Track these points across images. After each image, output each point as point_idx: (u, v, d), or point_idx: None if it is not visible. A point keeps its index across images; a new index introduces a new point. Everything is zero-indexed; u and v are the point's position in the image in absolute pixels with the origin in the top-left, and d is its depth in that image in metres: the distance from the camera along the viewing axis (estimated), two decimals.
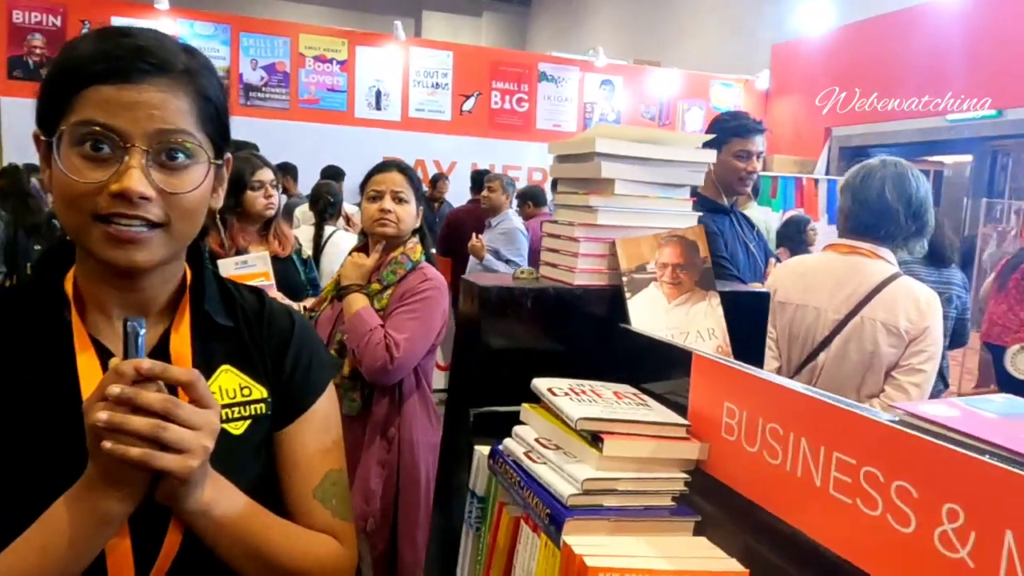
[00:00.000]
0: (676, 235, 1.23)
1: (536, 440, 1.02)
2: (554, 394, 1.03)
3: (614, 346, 1.21)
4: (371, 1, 13.78)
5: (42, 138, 0.78)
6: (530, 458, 1.00)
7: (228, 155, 0.87)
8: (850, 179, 2.09)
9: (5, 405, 0.78)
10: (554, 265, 1.30)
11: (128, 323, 0.71)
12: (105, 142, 0.74)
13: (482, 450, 1.14)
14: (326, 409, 0.98)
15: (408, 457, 2.17)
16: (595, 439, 0.93)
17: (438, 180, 6.96)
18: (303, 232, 3.78)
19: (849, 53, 7.52)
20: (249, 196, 2.57)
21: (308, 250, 3.69)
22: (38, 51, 6.31)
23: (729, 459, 0.91)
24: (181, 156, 0.78)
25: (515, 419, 1.11)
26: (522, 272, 1.30)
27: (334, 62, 7.14)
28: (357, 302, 2.11)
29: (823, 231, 5.97)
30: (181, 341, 0.85)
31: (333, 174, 5.35)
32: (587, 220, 1.23)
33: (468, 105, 7.67)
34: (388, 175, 2.17)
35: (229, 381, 0.89)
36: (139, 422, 0.68)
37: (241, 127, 3.16)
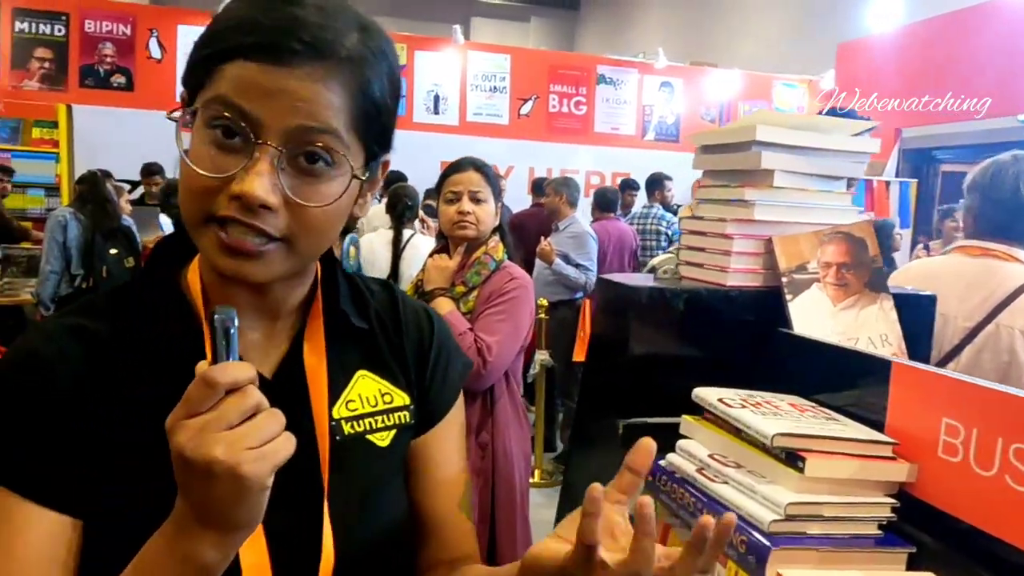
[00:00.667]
0: (841, 231, 1.13)
1: (710, 456, 0.92)
2: (728, 405, 0.93)
3: (773, 352, 1.10)
4: (421, 10, 13.86)
5: (183, 107, 0.67)
6: (706, 476, 0.91)
7: (387, 158, 0.76)
8: (978, 176, 1.95)
9: (123, 414, 0.67)
10: (699, 265, 1.20)
11: (216, 316, 0.55)
12: (236, 130, 0.62)
13: None
14: (460, 412, 0.89)
15: (503, 464, 2.09)
16: (792, 458, 0.83)
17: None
18: (379, 236, 3.75)
19: (918, 51, 7.25)
20: None
21: (387, 253, 3.66)
22: (108, 60, 6.43)
23: (949, 482, 0.80)
24: (321, 163, 0.64)
25: (667, 431, 1.02)
26: (664, 272, 1.20)
27: None
28: (443, 306, 2.05)
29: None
30: (315, 347, 0.76)
31: (396, 178, 5.32)
32: (741, 215, 1.13)
33: (526, 108, 7.60)
34: (464, 175, 2.10)
35: (368, 388, 0.79)
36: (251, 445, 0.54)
37: None
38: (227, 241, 0.63)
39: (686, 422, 1.00)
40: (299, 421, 0.71)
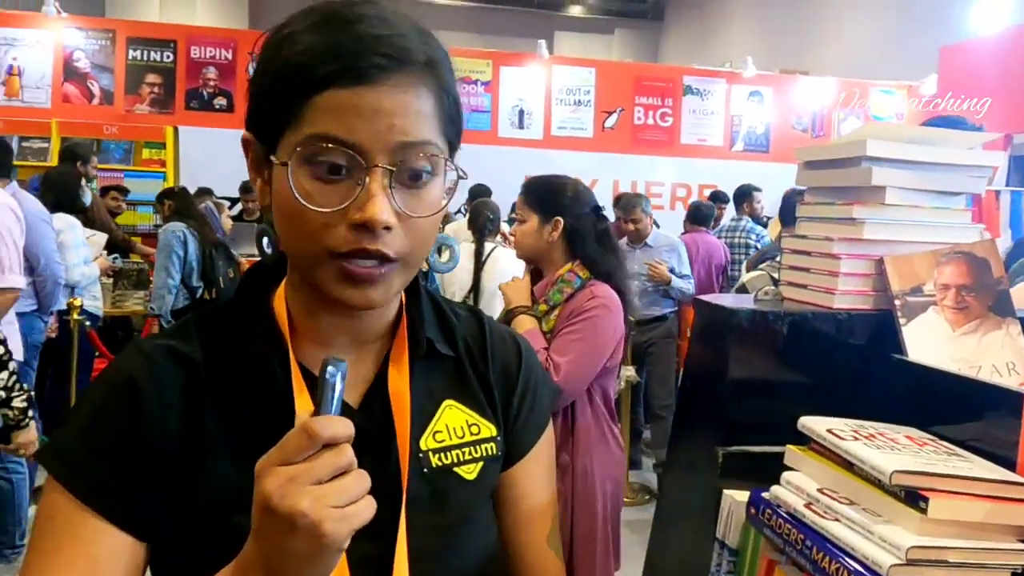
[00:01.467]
0: (961, 251, 1.05)
1: (819, 491, 0.87)
2: (838, 437, 0.88)
3: (884, 380, 1.04)
4: (505, 27, 14.04)
5: (254, 143, 0.67)
6: (815, 512, 0.86)
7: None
8: None
9: (210, 439, 0.67)
10: (803, 286, 1.14)
11: (328, 367, 0.55)
12: (343, 161, 0.61)
13: (734, 495, 1.01)
14: (549, 442, 0.87)
15: (582, 486, 2.05)
16: (913, 497, 0.77)
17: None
18: (461, 249, 3.78)
19: None
20: None
21: (469, 266, 3.70)
22: (211, 83, 6.78)
23: None
24: (425, 175, 0.65)
25: (769, 461, 0.97)
26: (764, 293, 1.16)
27: (479, 83, 7.23)
28: (524, 324, 2.04)
29: (1003, 248, 5.38)
30: (400, 375, 0.74)
31: (481, 192, 5.37)
32: (850, 234, 1.08)
33: (610, 121, 7.55)
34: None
35: (455, 418, 0.77)
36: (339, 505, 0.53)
37: None
38: (350, 271, 0.63)
39: (792, 453, 0.95)
40: (385, 450, 0.70)
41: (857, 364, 1.06)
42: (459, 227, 4.33)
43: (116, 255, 4.83)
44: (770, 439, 1.01)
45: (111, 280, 4.69)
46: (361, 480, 0.54)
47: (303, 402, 0.67)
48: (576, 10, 16.31)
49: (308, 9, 0.66)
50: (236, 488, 0.62)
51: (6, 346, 2.18)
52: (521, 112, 7.35)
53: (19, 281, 2.96)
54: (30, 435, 2.24)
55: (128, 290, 4.79)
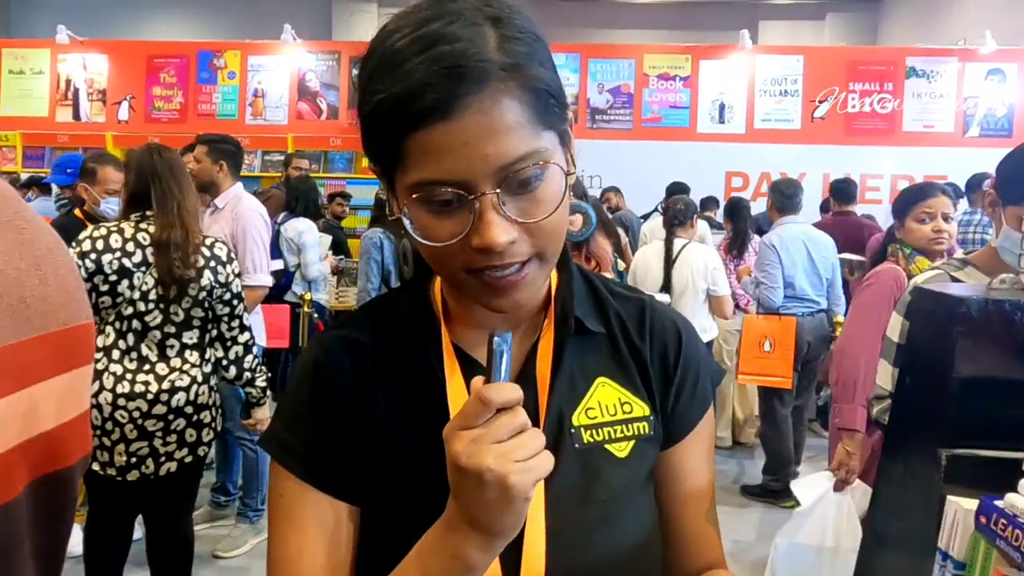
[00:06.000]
0: None
1: None
2: None
3: None
4: (706, 20, 13.60)
5: (379, 172, 0.70)
6: None
7: (570, 116, 0.71)
8: None
9: (381, 413, 0.75)
10: None
11: (494, 339, 0.60)
12: (451, 196, 0.63)
13: (960, 503, 0.92)
14: (709, 425, 0.84)
15: None
16: None
17: None
18: (652, 247, 3.77)
19: None
20: None
21: (659, 262, 3.66)
22: None
23: None
24: (534, 180, 0.64)
25: (1003, 466, 0.87)
26: (1001, 281, 1.04)
27: (677, 79, 7.11)
28: None
29: None
30: (546, 354, 0.77)
31: (678, 189, 5.28)
32: None
33: (820, 111, 7.09)
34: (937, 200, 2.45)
35: (608, 396, 0.78)
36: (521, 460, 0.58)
37: (587, 150, 3.23)
38: (491, 283, 0.66)
39: None
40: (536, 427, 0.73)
41: None
42: (655, 225, 4.30)
43: (341, 256, 5.33)
44: (1004, 442, 0.91)
45: (335, 277, 5.19)
46: (537, 437, 0.60)
47: (455, 377, 0.73)
48: None
49: (402, 21, 0.64)
50: (403, 460, 0.72)
51: (251, 332, 2.49)
52: (721, 106, 7.12)
53: (267, 280, 3.36)
54: (266, 412, 2.55)
55: (350, 286, 5.26)
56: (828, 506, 2.27)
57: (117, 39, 8.68)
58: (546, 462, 0.59)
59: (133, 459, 2.21)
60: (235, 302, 2.36)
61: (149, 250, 2.21)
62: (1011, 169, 1.53)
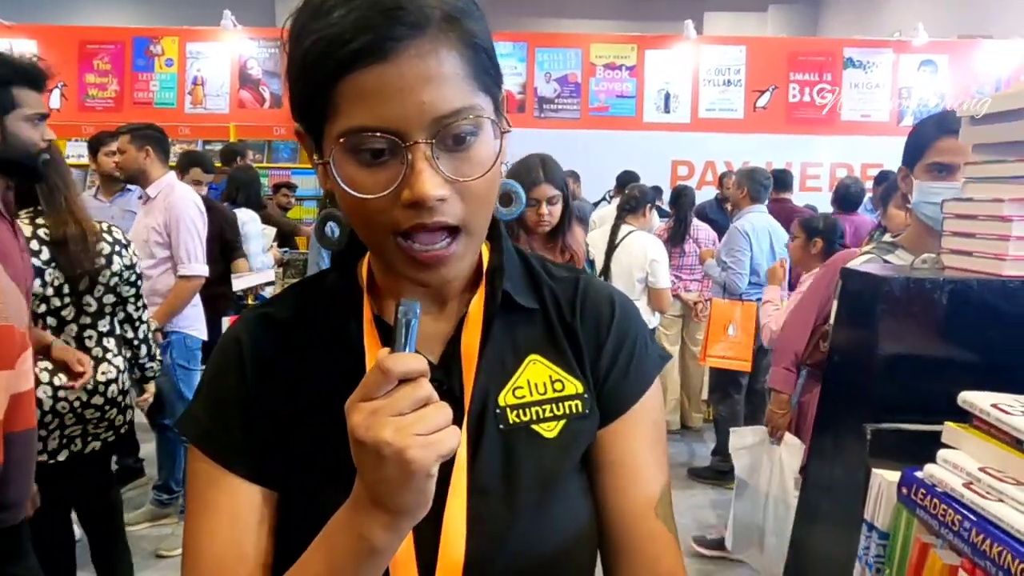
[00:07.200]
0: None
1: (981, 470, 0.80)
2: (1005, 412, 0.80)
3: None
4: (652, 10, 13.72)
5: (305, 136, 0.68)
6: (975, 492, 0.79)
7: (504, 90, 0.70)
8: None
9: (303, 391, 0.72)
10: (967, 253, 1.05)
11: (400, 308, 0.58)
12: (383, 145, 0.60)
13: (884, 475, 0.94)
14: (653, 408, 0.79)
15: None
16: None
17: (724, 179, 6.66)
18: (600, 232, 3.79)
19: None
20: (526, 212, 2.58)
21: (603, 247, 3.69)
22: None
23: None
24: (468, 136, 0.62)
25: (924, 440, 0.90)
26: (923, 261, 1.07)
27: (623, 68, 7.16)
28: None
29: None
30: (472, 330, 0.73)
31: (629, 179, 5.32)
32: (1023, 195, 0.97)
33: (763, 101, 7.23)
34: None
35: (539, 374, 0.74)
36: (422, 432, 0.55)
37: (535, 139, 3.23)
38: (419, 256, 0.63)
39: (950, 429, 0.88)
40: (461, 408, 0.70)
41: None
42: (605, 213, 4.32)
43: (286, 248, 5.24)
44: (923, 417, 0.94)
45: (280, 269, 5.10)
46: (441, 411, 0.56)
47: (374, 351, 0.70)
48: None
49: None
50: (324, 437, 0.68)
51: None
52: (667, 96, 7.20)
53: (203, 270, 3.28)
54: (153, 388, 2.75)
55: (294, 278, 5.17)
56: (762, 459, 2.67)
57: (46, 24, 8.33)
58: (450, 437, 0.56)
59: (64, 440, 2.26)
60: (139, 282, 2.48)
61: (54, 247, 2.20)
62: (911, 137, 1.76)
